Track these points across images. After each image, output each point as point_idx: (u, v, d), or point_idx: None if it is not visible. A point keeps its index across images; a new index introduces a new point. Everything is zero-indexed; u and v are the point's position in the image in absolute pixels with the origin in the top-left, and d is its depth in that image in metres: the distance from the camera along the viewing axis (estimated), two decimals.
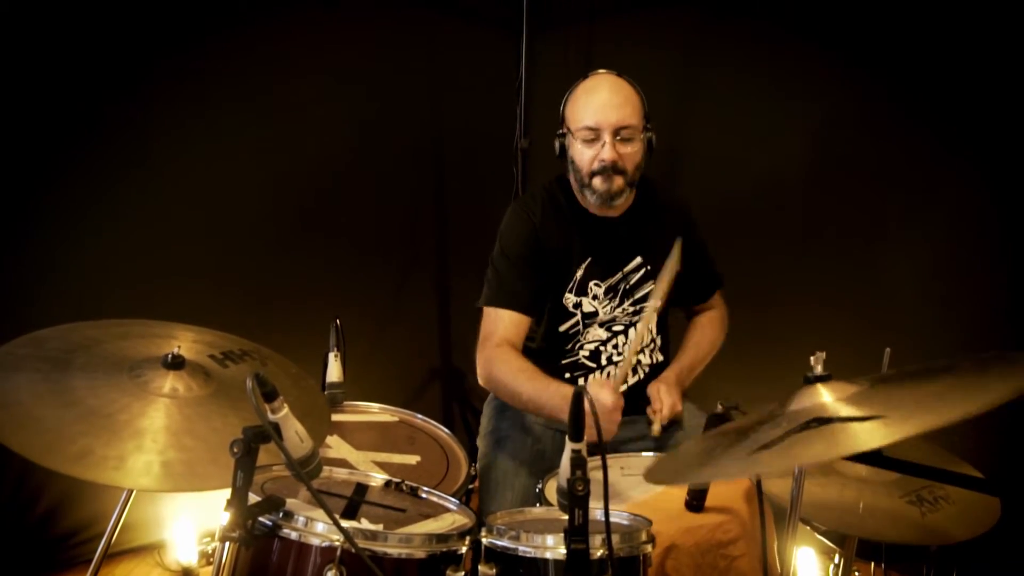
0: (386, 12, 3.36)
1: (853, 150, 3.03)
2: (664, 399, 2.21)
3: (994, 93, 2.70)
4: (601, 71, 2.25)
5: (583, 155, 2.19)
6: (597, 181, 2.19)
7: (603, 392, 1.94)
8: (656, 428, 2.19)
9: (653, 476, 1.48)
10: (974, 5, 2.70)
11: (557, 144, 2.27)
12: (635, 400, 2.28)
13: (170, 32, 2.77)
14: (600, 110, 2.15)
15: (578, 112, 2.20)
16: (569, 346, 2.32)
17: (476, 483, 2.25)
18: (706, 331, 2.47)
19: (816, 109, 3.09)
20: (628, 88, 2.21)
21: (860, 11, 2.93)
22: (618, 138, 2.16)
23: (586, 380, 2.33)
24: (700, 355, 2.42)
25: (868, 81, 2.96)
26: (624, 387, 2.34)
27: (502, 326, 2.22)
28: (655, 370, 2.39)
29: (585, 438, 1.38)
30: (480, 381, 2.23)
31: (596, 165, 2.17)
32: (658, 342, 2.41)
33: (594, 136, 2.16)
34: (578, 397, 1.35)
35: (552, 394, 2.03)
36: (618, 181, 2.18)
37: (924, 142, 2.87)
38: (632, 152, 2.19)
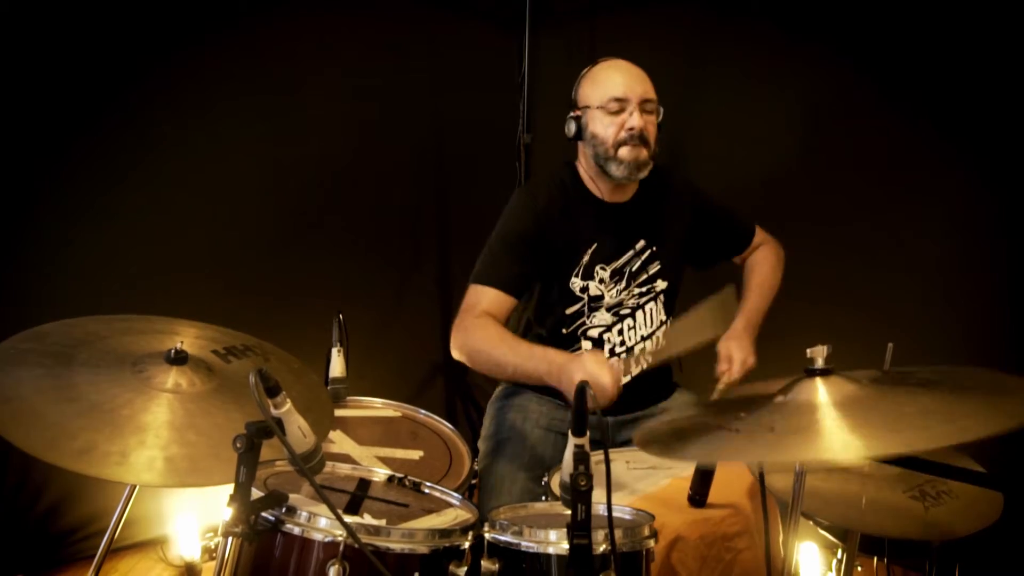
0: (388, 9, 3.36)
1: (856, 148, 3.03)
2: (734, 355, 2.19)
3: (998, 93, 2.69)
4: (610, 57, 2.30)
5: (608, 127, 2.20)
6: (624, 151, 2.20)
7: (603, 373, 1.84)
8: (721, 389, 2.17)
9: (641, 441, 1.51)
10: (978, 6, 2.69)
11: (573, 125, 2.28)
12: (638, 394, 2.27)
13: (171, 31, 2.78)
14: (626, 81, 2.20)
15: (602, 85, 2.23)
16: (573, 330, 2.31)
17: (477, 486, 2.25)
18: (763, 268, 2.49)
19: (818, 107, 3.09)
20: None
21: (862, 11, 2.93)
22: (643, 109, 2.20)
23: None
24: (765, 293, 2.43)
25: (870, 80, 2.95)
26: (627, 378, 2.34)
27: (485, 301, 2.18)
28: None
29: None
30: (454, 351, 2.15)
31: (624, 134, 2.19)
32: (667, 324, 2.40)
33: (620, 107, 2.19)
34: (581, 391, 1.35)
35: (539, 360, 1.96)
36: (643, 152, 2.21)
37: (927, 139, 2.87)
38: (653, 123, 2.24)
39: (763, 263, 2.51)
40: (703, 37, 3.38)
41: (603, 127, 2.21)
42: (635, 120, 2.18)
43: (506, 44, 3.68)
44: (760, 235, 2.56)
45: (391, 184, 3.50)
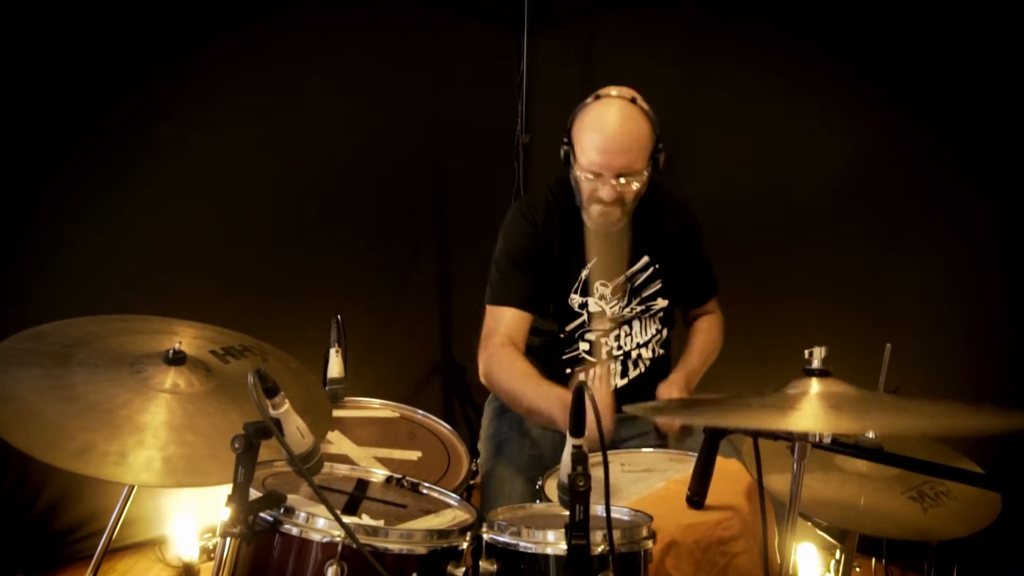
0: (387, 10, 3.36)
1: (855, 148, 3.03)
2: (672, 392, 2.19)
3: (997, 93, 2.69)
4: (613, 93, 2.12)
5: (584, 183, 2.14)
6: (595, 210, 2.17)
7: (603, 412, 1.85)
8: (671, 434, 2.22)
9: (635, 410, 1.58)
10: (978, 6, 2.69)
11: (563, 152, 2.20)
12: (637, 394, 2.27)
13: (171, 31, 2.77)
14: (604, 154, 2.07)
15: (583, 146, 2.11)
16: (569, 333, 2.31)
17: (477, 479, 2.24)
18: (709, 336, 2.45)
19: (816, 107, 3.08)
20: (638, 123, 2.09)
21: (859, 11, 2.93)
22: (620, 180, 2.10)
23: (586, 375, 2.32)
24: (705, 359, 2.39)
25: (869, 80, 2.95)
26: (624, 381, 2.34)
27: (504, 323, 2.21)
28: (656, 364, 2.38)
29: (586, 434, 1.38)
30: (481, 379, 2.22)
31: (595, 198, 2.14)
32: (663, 335, 2.40)
33: (594, 176, 2.11)
34: (579, 392, 1.35)
35: (553, 400, 1.97)
36: (615, 213, 2.16)
37: (927, 140, 2.87)
38: (634, 188, 2.13)
39: (711, 330, 2.46)
40: (702, 37, 3.37)
41: (581, 180, 2.15)
42: (605, 193, 2.10)
43: (505, 44, 3.68)
44: (715, 303, 2.52)
45: (390, 184, 3.50)
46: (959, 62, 2.74)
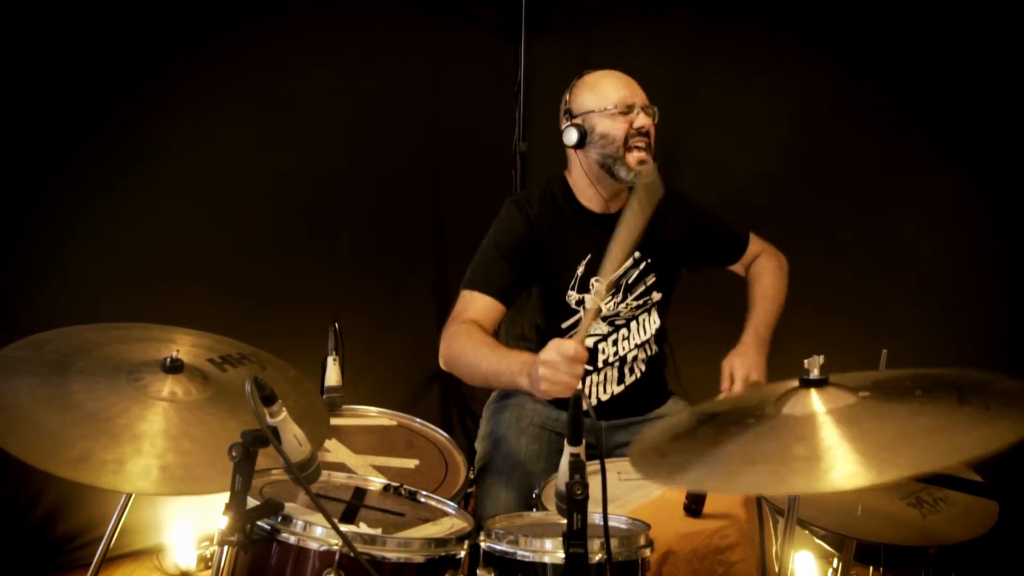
0: (385, 15, 3.37)
1: (851, 151, 3.04)
2: (736, 372, 2.13)
3: (992, 95, 2.70)
4: (597, 70, 2.30)
5: (616, 127, 2.19)
6: (633, 158, 2.19)
7: (564, 343, 1.78)
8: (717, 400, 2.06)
9: (637, 463, 1.44)
10: (975, 7, 2.70)
11: (574, 132, 2.23)
12: (633, 400, 2.27)
13: (169, 33, 2.78)
14: (630, 87, 2.23)
15: (605, 91, 2.22)
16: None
17: (474, 487, 2.24)
18: (765, 279, 2.44)
19: (814, 110, 3.10)
20: None
21: (858, 12, 2.94)
22: (645, 113, 2.21)
23: (583, 381, 2.32)
24: (770, 305, 2.37)
25: (866, 83, 2.96)
26: (620, 388, 2.33)
27: (473, 308, 2.18)
28: (652, 362, 2.37)
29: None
30: (441, 360, 2.16)
31: (632, 132, 2.19)
32: (660, 329, 2.39)
33: (627, 109, 2.19)
34: (577, 400, 1.35)
35: (512, 361, 1.94)
36: (649, 159, 2.21)
37: (922, 143, 2.88)
38: (654, 127, 2.24)
39: (764, 273, 2.46)
40: (699, 43, 3.39)
41: (612, 127, 2.19)
42: (643, 120, 2.19)
43: (503, 52, 3.69)
44: (757, 244, 2.52)
45: (387, 193, 3.50)
46: (958, 64, 2.75)
